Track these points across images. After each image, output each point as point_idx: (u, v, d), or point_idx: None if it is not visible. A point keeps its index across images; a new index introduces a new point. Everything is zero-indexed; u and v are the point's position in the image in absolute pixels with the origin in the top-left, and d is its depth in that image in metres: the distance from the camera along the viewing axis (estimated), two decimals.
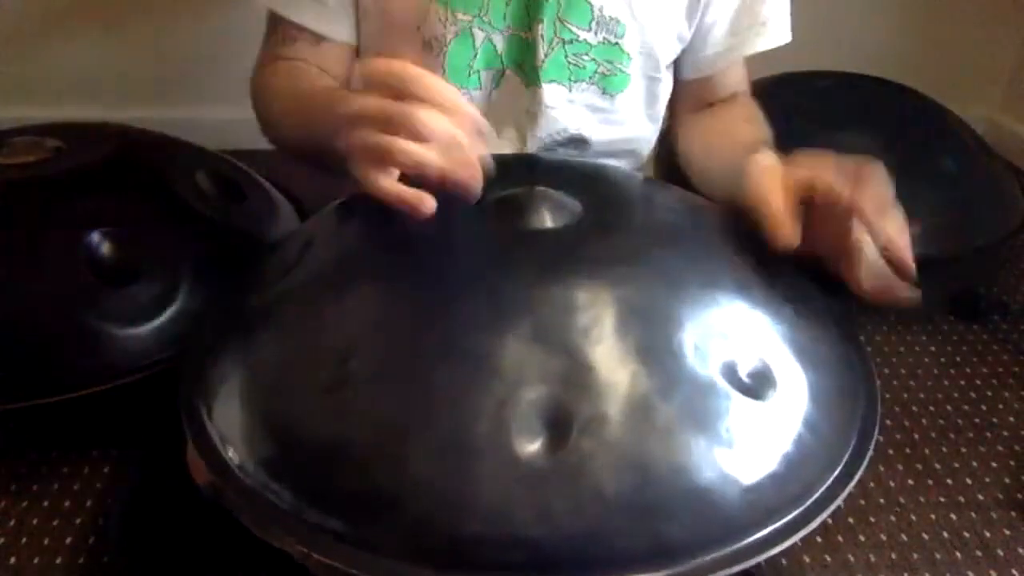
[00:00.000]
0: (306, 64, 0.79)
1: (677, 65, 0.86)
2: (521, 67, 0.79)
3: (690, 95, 0.88)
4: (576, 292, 0.51)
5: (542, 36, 0.76)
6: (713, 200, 0.70)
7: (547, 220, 0.58)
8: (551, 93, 0.79)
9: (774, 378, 0.53)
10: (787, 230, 0.57)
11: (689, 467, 0.47)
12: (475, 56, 0.77)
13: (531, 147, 0.83)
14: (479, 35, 0.76)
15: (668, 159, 0.94)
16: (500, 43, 0.77)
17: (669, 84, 0.86)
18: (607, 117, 0.83)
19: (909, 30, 1.64)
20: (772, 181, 0.59)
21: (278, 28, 0.79)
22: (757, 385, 0.52)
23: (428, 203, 0.53)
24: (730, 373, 0.51)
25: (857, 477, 0.53)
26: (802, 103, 1.11)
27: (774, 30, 0.83)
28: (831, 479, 0.52)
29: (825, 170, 0.58)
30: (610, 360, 0.49)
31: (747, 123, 0.81)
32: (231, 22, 1.51)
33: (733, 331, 0.53)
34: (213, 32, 1.53)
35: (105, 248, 0.77)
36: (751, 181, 0.61)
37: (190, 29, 1.54)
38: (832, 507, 0.51)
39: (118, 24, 1.53)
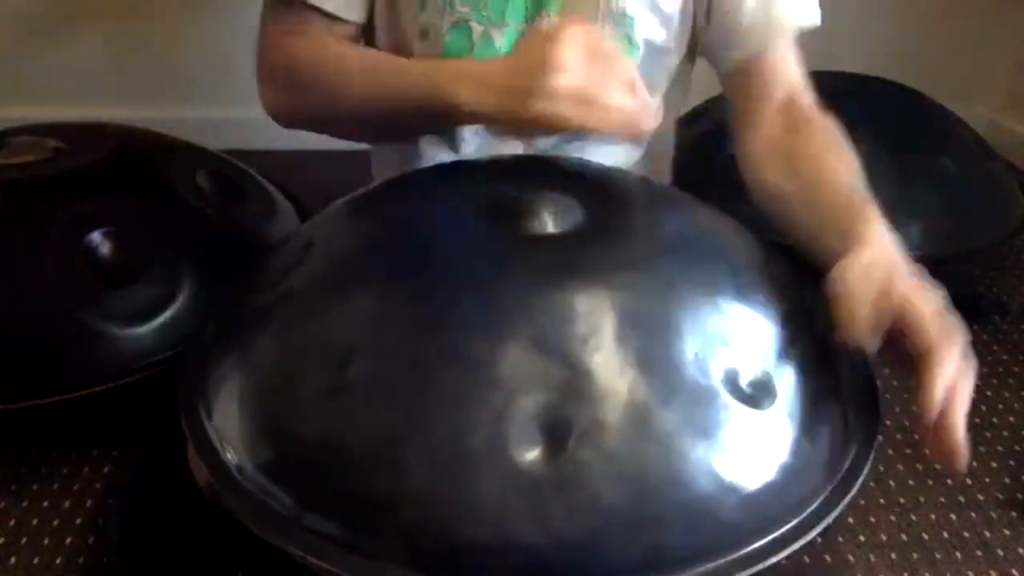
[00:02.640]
0: (338, 39, 0.77)
1: (714, 56, 0.82)
2: None
3: (741, 93, 0.81)
4: (576, 299, 0.51)
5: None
6: (788, 233, 0.69)
7: (548, 225, 0.58)
8: None
9: (774, 387, 0.53)
10: (865, 342, 0.55)
11: (687, 476, 0.47)
12: (471, 50, 0.77)
13: (534, 144, 0.83)
14: (477, 29, 0.76)
15: (690, 162, 0.92)
16: (499, 38, 0.77)
17: (683, 77, 0.85)
18: None
19: (909, 30, 1.64)
20: (867, 296, 0.55)
21: (286, 6, 0.76)
22: (757, 394, 0.51)
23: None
24: (730, 382, 0.51)
25: (857, 487, 0.53)
26: None
27: (806, 6, 0.78)
28: (830, 488, 0.52)
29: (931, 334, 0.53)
30: (609, 368, 0.49)
31: (840, 162, 0.72)
32: (231, 23, 1.51)
33: (733, 339, 0.53)
34: (214, 33, 1.53)
35: (105, 248, 0.77)
36: (845, 284, 0.56)
37: (191, 29, 1.53)
38: (831, 517, 0.51)
39: (118, 24, 1.53)
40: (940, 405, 0.51)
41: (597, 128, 0.61)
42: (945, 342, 0.53)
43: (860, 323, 0.55)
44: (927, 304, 0.55)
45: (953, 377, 0.52)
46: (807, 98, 0.79)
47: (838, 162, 0.72)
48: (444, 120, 0.73)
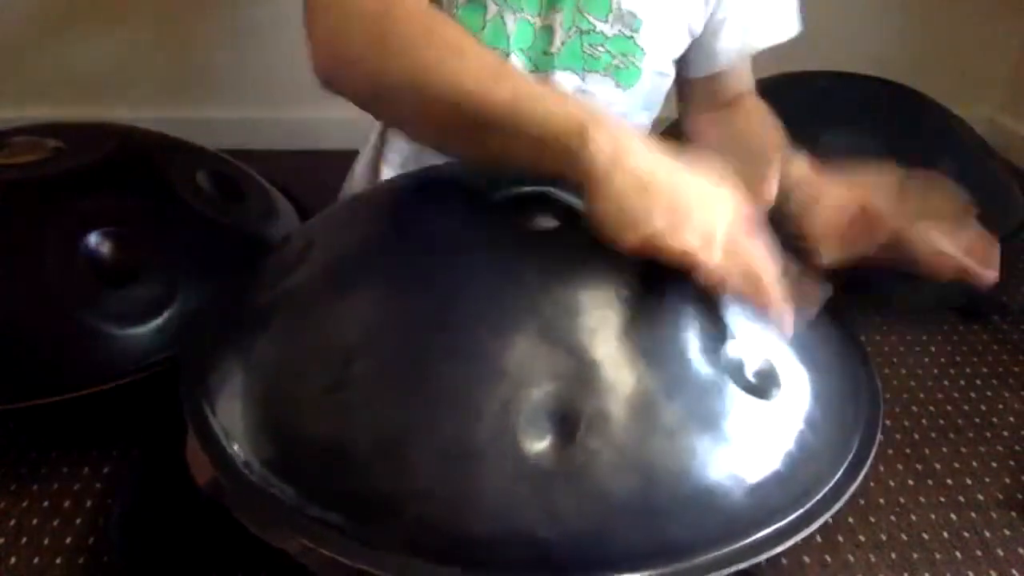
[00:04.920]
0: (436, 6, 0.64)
1: (687, 63, 0.86)
2: (527, 53, 0.79)
3: (701, 94, 0.88)
4: (581, 292, 0.51)
5: (560, 24, 0.77)
6: None
7: (552, 220, 0.58)
8: (564, 81, 0.79)
9: (778, 378, 0.53)
10: (834, 254, 0.60)
11: (693, 466, 0.47)
12: (483, 28, 0.77)
13: None
14: (492, 8, 0.76)
15: None
16: (511, 24, 0.77)
17: (671, 80, 0.87)
18: (614, 110, 0.83)
19: (909, 30, 1.64)
20: (818, 206, 0.62)
21: None
22: (761, 385, 0.52)
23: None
24: (735, 373, 0.51)
25: (860, 479, 0.53)
26: (802, 103, 1.10)
27: (783, 23, 0.84)
28: (834, 480, 0.52)
29: (871, 190, 0.61)
30: (616, 360, 0.49)
31: (761, 126, 0.82)
32: (232, 23, 1.51)
33: (738, 331, 0.53)
34: (214, 33, 1.53)
35: (105, 248, 0.77)
36: (796, 201, 0.63)
37: (191, 30, 1.53)
38: (834, 508, 0.51)
39: (119, 24, 1.53)
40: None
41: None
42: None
43: (824, 230, 0.60)
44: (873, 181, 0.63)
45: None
46: (747, 89, 0.88)
47: (760, 132, 0.81)
48: (536, 156, 0.54)
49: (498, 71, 0.58)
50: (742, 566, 0.46)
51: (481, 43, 0.60)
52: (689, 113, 0.90)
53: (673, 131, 0.94)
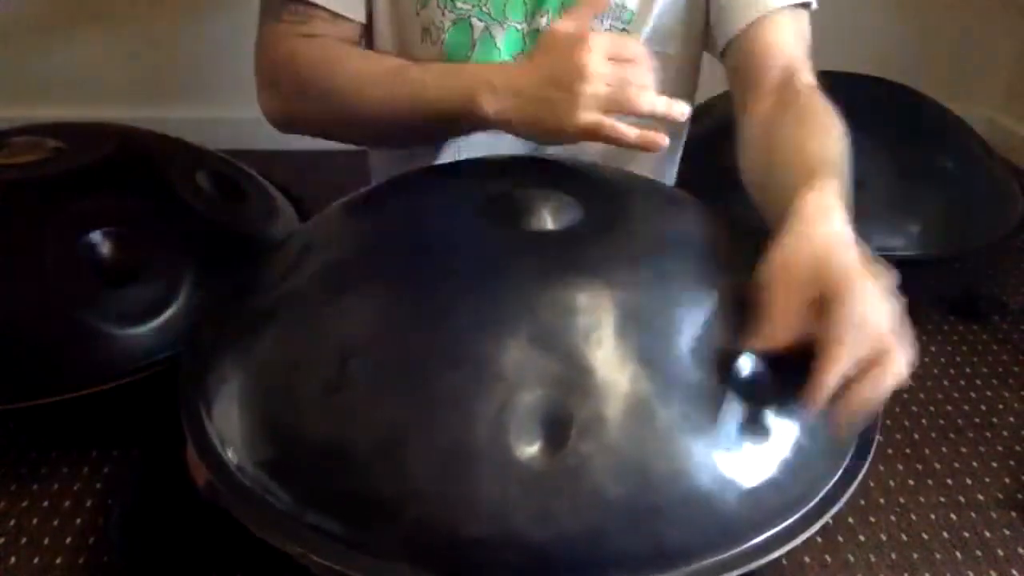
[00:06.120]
0: (341, 42, 0.76)
1: (713, 40, 0.77)
2: (519, 59, 0.78)
3: (739, 75, 0.76)
4: (576, 295, 0.51)
5: (547, 26, 0.76)
6: (768, 221, 0.60)
7: (548, 222, 0.58)
8: None
9: (774, 383, 0.52)
10: (774, 333, 0.50)
11: (688, 470, 0.47)
12: (473, 47, 0.77)
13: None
14: (478, 25, 0.76)
15: (692, 160, 0.92)
16: (500, 37, 0.76)
17: (688, 65, 0.82)
18: None
19: (909, 30, 1.64)
20: (785, 275, 0.51)
21: (288, 6, 0.75)
22: (757, 389, 0.51)
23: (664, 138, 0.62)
24: (730, 377, 0.51)
25: (857, 482, 0.53)
26: None
27: None
28: (831, 483, 0.52)
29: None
30: (609, 363, 0.49)
31: (811, 136, 0.66)
32: (231, 23, 1.51)
33: (732, 335, 0.53)
34: (213, 33, 1.53)
35: (105, 248, 0.77)
36: (767, 264, 0.52)
37: (191, 30, 1.53)
38: (831, 512, 0.51)
39: (118, 24, 1.53)
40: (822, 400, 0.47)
41: (627, 137, 0.61)
42: (847, 347, 0.48)
43: (775, 315, 0.50)
44: (853, 298, 0.48)
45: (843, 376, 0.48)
46: (805, 76, 0.73)
47: (807, 137, 0.65)
48: (466, 130, 0.71)
49: (392, 81, 0.70)
50: (739, 572, 0.46)
51: (374, 60, 0.75)
52: (737, 108, 0.76)
53: (703, 112, 0.91)
